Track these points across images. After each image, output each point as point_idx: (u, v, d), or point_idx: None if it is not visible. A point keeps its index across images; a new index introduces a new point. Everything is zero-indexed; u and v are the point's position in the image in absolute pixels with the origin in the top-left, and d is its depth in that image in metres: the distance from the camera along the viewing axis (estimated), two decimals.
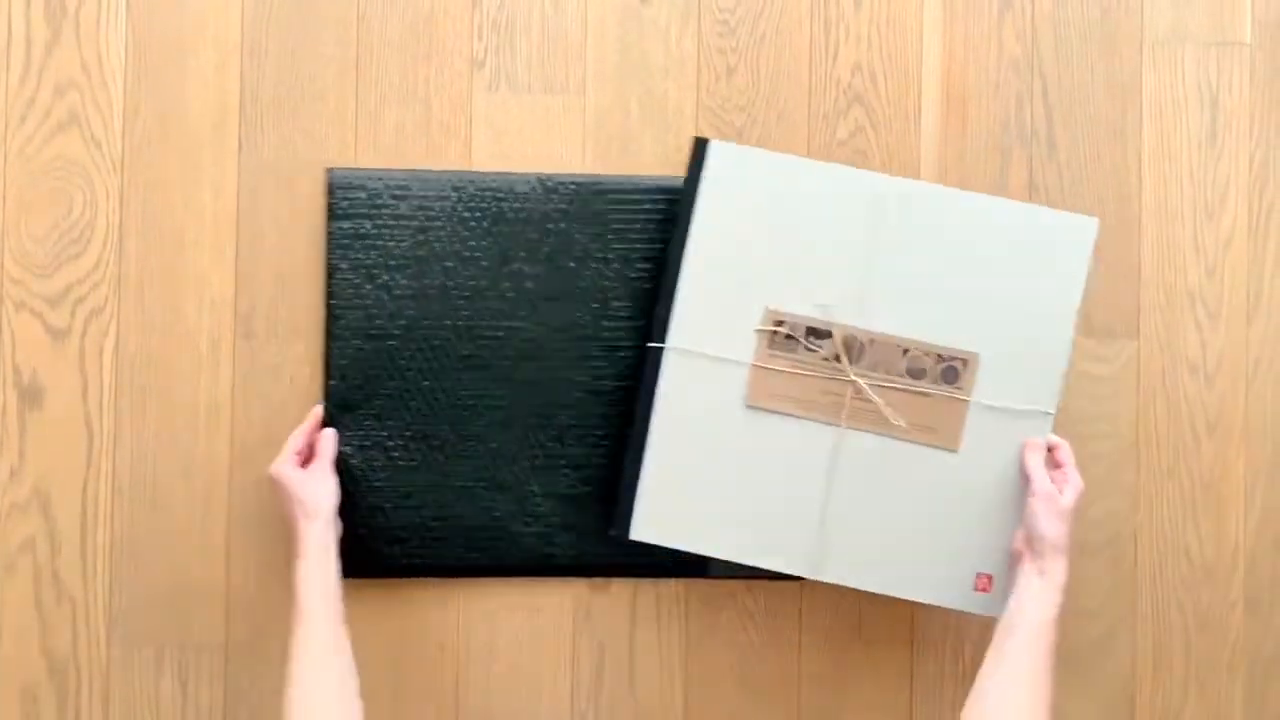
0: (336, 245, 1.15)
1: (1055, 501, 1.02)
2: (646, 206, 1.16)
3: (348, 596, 1.05)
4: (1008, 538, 1.07)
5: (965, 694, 1.16)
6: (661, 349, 1.10)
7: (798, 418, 1.09)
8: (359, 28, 1.18)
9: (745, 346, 1.09)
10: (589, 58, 1.19)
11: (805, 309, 1.09)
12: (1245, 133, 1.21)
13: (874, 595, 1.18)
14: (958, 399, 1.09)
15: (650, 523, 1.10)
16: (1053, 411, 1.09)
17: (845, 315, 1.09)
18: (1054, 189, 1.20)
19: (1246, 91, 1.22)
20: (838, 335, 1.09)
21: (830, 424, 1.09)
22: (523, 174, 1.16)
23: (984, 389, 1.09)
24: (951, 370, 1.09)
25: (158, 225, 1.17)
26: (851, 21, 1.20)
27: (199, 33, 1.17)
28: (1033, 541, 1.02)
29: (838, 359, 1.09)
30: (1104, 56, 1.21)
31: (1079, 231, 1.10)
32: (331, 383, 1.15)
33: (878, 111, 1.20)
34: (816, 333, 1.09)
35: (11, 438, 1.15)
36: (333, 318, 1.15)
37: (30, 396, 1.15)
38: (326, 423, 1.14)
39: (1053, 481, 1.04)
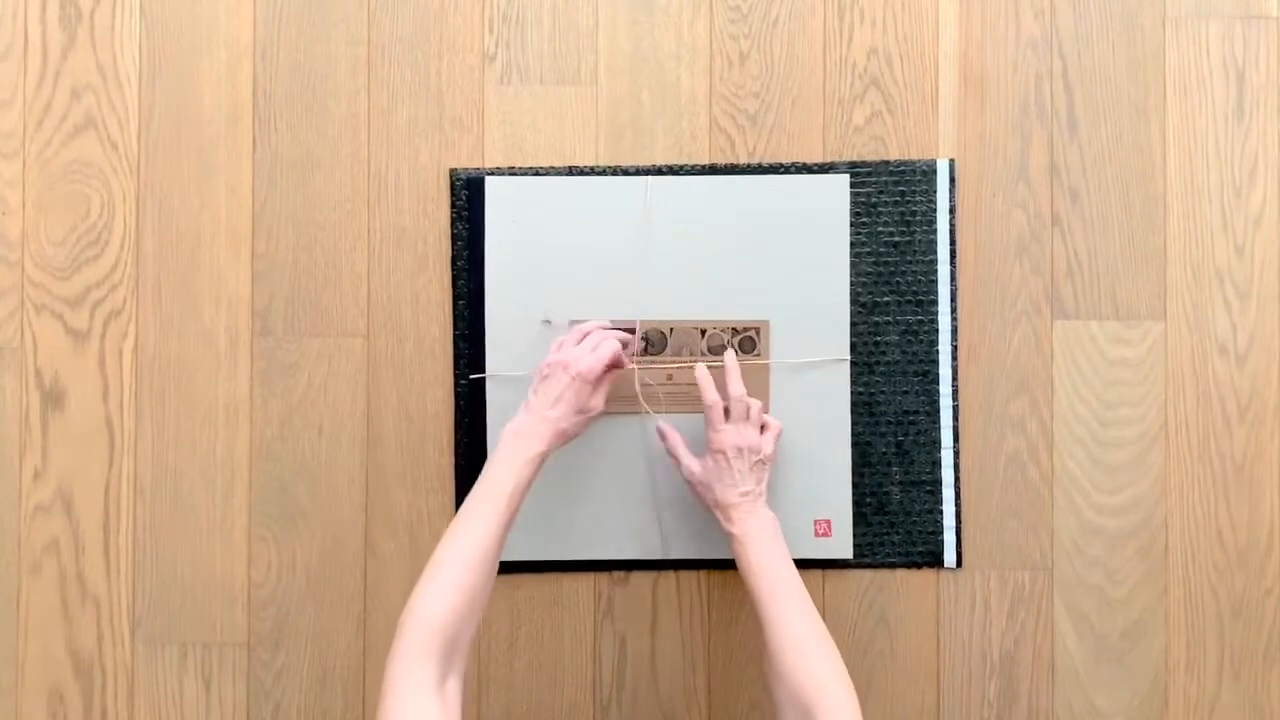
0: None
1: (693, 478, 1.09)
2: None
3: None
4: (835, 483, 1.15)
5: (994, 687, 1.16)
6: (483, 379, 1.15)
7: (619, 414, 1.14)
8: (370, 25, 1.18)
9: None
10: (600, 47, 1.18)
11: (605, 313, 1.15)
12: (1274, 108, 1.18)
13: (897, 586, 1.17)
14: (760, 364, 1.15)
15: (508, 544, 1.13)
16: (848, 357, 1.15)
17: (643, 311, 1.15)
18: (1075, 169, 1.18)
19: (1275, 66, 1.19)
20: (639, 330, 1.14)
21: (651, 413, 1.14)
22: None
23: (781, 350, 1.15)
24: (749, 340, 1.15)
25: (174, 225, 1.17)
26: (866, 4, 1.18)
27: (212, 33, 1.18)
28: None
29: (644, 352, 1.15)
30: (1125, 33, 1.18)
31: (834, 189, 1.16)
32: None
33: (894, 95, 1.18)
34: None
35: (34, 440, 1.16)
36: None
37: (52, 399, 1.16)
38: None
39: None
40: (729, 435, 1.07)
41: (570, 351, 1.07)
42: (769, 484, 1.09)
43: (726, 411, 1.08)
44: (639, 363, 1.15)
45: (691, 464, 1.09)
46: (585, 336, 1.09)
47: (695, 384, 1.12)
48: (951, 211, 1.16)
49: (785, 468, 1.14)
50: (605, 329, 1.11)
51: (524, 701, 1.17)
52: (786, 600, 1.01)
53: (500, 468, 1.00)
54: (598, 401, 1.06)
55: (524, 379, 1.15)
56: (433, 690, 0.85)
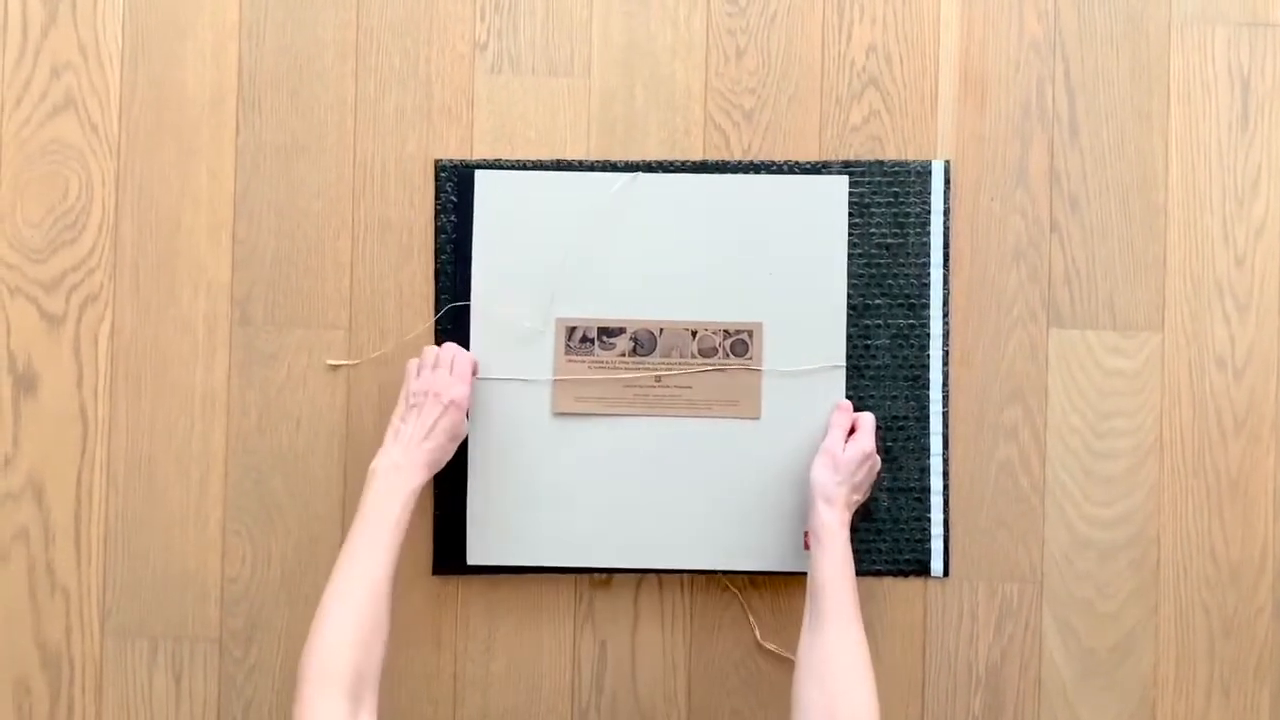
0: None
1: (835, 455, 1.05)
2: None
3: None
4: None
5: (980, 700, 1.14)
6: None
7: (606, 416, 1.12)
8: (359, 9, 1.15)
9: (544, 359, 1.13)
10: (594, 39, 1.16)
11: (594, 312, 1.12)
12: (1278, 117, 1.16)
13: (883, 594, 1.15)
14: (752, 369, 1.13)
15: (484, 547, 1.13)
16: (843, 364, 1.12)
17: (632, 310, 1.12)
18: (1076, 175, 1.15)
19: None
20: (628, 330, 1.12)
21: (638, 415, 1.12)
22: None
23: (774, 356, 1.12)
24: (741, 343, 1.12)
25: (154, 209, 1.15)
26: (866, 1, 1.16)
27: (197, 14, 1.15)
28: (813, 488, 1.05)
29: (633, 352, 1.12)
30: (1129, 37, 1.16)
31: (832, 190, 1.13)
32: None
33: (893, 95, 1.16)
34: (609, 332, 1.13)
35: (5, 425, 1.14)
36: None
37: (25, 383, 1.14)
38: None
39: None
40: (870, 447, 1.06)
41: (437, 379, 1.05)
42: (754, 492, 1.10)
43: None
44: (629, 364, 1.13)
45: (837, 446, 1.06)
46: (437, 358, 1.07)
47: (687, 387, 1.10)
48: (946, 214, 1.14)
49: (774, 474, 1.12)
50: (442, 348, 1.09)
51: (501, 704, 1.14)
52: (845, 622, 0.98)
53: (382, 504, 0.99)
54: (465, 426, 1.07)
55: (509, 382, 1.12)
56: None
